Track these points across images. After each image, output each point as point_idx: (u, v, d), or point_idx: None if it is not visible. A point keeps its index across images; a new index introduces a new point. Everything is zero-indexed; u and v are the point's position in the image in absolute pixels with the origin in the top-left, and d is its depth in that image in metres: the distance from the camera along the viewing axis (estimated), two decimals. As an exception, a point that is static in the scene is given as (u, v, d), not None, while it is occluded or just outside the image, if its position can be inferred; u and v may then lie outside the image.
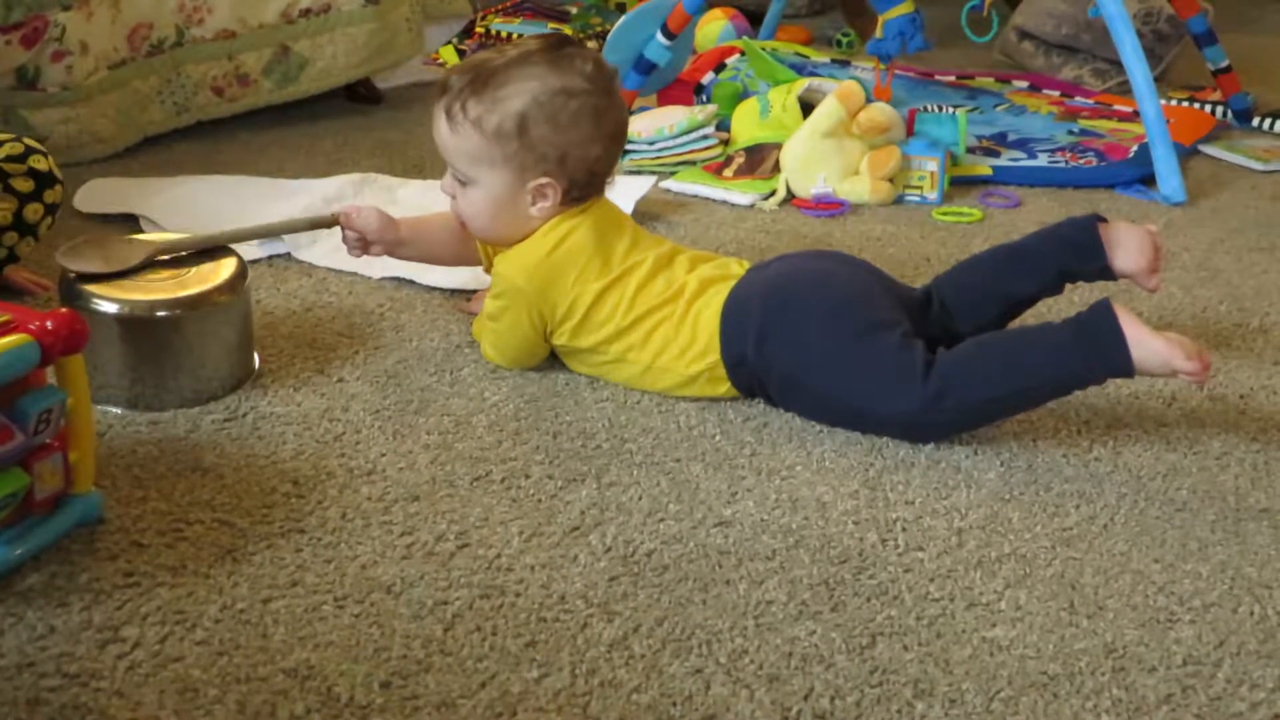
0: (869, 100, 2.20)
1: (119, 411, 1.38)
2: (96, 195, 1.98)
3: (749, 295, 1.41)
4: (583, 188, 1.47)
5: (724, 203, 2.11)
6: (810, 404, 1.40)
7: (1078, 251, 1.46)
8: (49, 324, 1.11)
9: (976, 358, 1.34)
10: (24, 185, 1.60)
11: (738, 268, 1.47)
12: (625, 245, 1.47)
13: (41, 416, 1.10)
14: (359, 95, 2.63)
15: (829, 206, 2.08)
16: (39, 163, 1.62)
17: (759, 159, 2.20)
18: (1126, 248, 1.45)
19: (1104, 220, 1.47)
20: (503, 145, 1.42)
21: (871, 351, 1.35)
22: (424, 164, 2.26)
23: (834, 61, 2.91)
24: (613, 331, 1.44)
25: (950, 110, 2.44)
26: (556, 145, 1.42)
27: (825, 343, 1.36)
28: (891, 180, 2.12)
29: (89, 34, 2.14)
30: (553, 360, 1.52)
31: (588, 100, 1.43)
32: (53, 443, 1.13)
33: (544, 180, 1.43)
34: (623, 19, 2.58)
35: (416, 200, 2.01)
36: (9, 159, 1.60)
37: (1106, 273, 1.46)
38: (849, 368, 1.35)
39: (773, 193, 2.12)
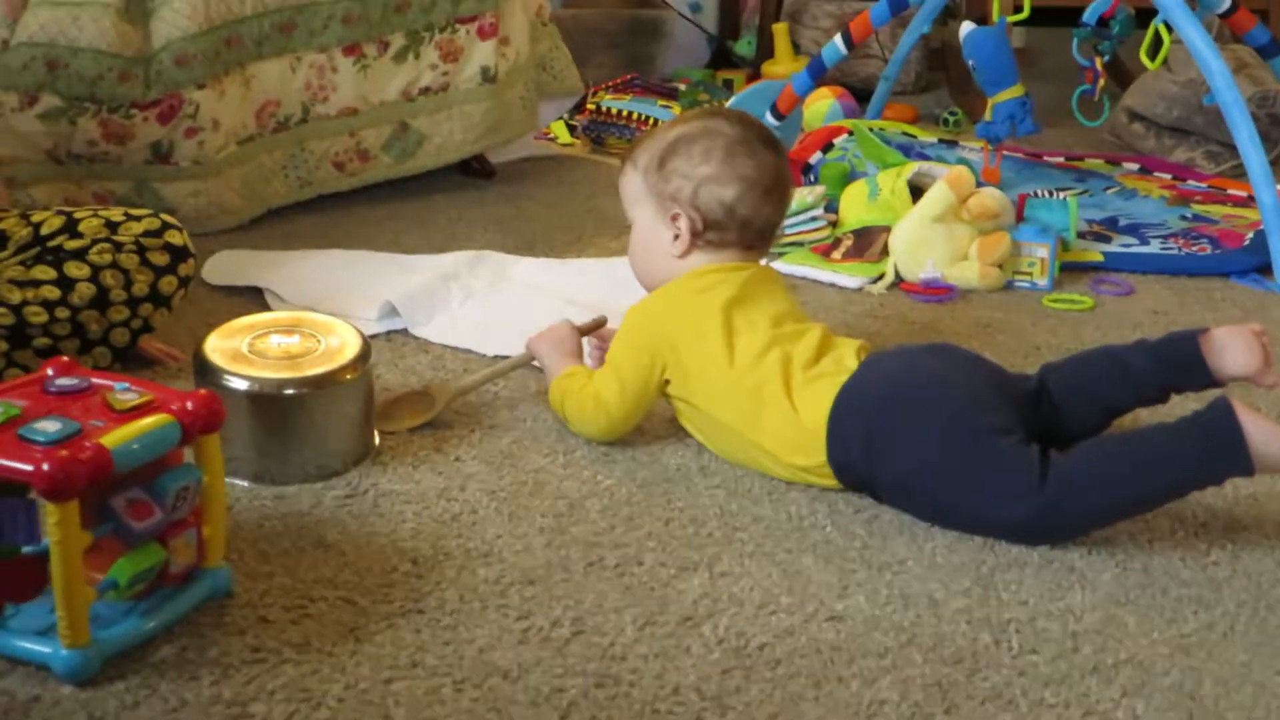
0: (979, 185, 2.21)
1: (245, 484, 1.42)
2: (224, 268, 2.05)
3: (857, 401, 1.41)
4: (719, 230, 1.53)
5: (832, 285, 2.13)
6: (921, 508, 1.40)
7: (1180, 369, 1.45)
8: (189, 404, 1.16)
9: (1092, 466, 1.33)
10: (160, 259, 1.67)
11: (852, 360, 1.47)
12: (760, 314, 1.49)
13: (179, 493, 1.14)
14: (473, 169, 2.69)
15: (938, 291, 2.09)
16: (174, 237, 1.69)
17: (867, 242, 2.21)
18: (1232, 355, 1.43)
19: (1203, 332, 1.45)
20: (647, 178, 1.56)
21: (985, 460, 1.35)
22: (535, 240, 2.31)
23: (941, 141, 2.91)
24: (725, 395, 1.46)
25: (1061, 196, 2.43)
26: (689, 178, 1.53)
27: (936, 452, 1.36)
28: (1001, 266, 2.12)
29: (220, 111, 2.23)
30: (664, 443, 1.54)
31: (722, 141, 1.53)
32: (188, 518, 1.17)
33: (676, 210, 1.53)
34: (733, 100, 2.63)
35: (530, 278, 2.06)
36: (147, 234, 1.67)
37: (1214, 383, 1.45)
38: (962, 477, 1.35)
39: (881, 276, 2.13)
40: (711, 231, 1.53)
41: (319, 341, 1.48)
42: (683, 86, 3.28)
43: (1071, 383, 1.50)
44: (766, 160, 1.54)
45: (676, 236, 1.54)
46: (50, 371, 1.21)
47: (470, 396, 1.64)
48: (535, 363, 1.66)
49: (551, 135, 3.04)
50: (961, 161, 2.62)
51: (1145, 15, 2.33)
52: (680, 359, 1.48)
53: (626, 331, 1.54)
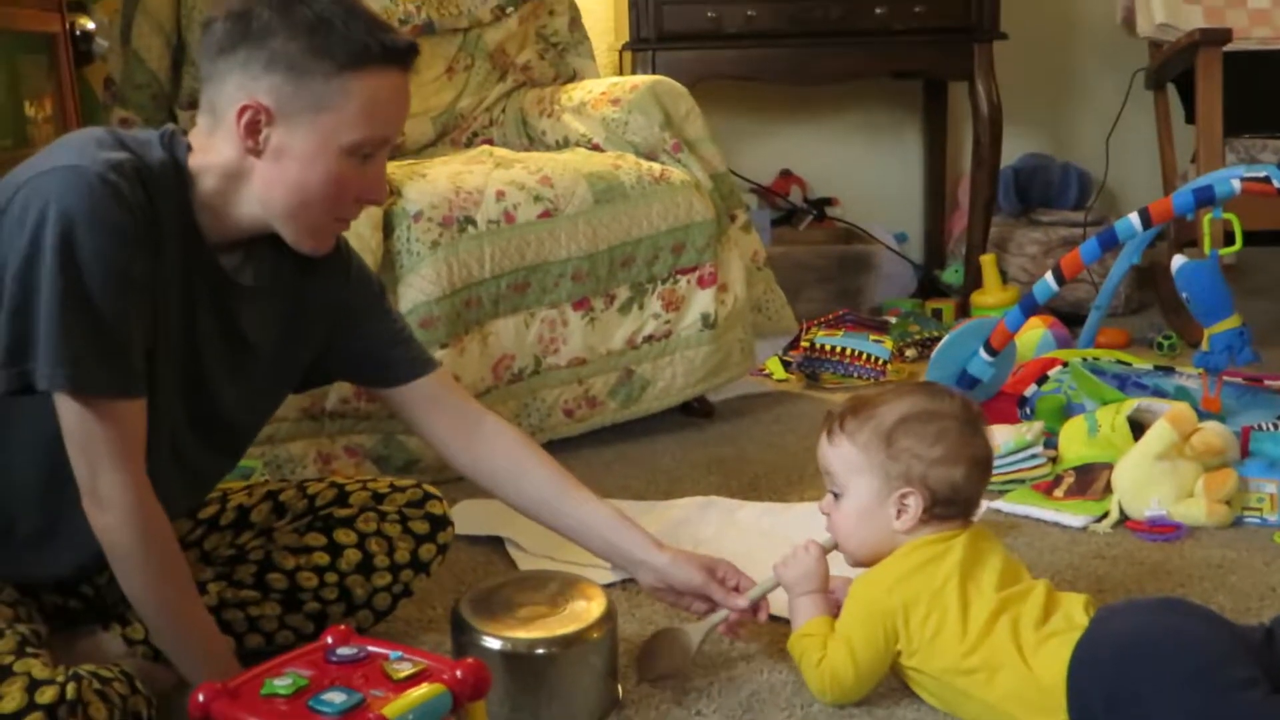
0: (1199, 415, 2.20)
1: (498, 739, 1.50)
2: (466, 517, 2.17)
3: (1096, 657, 1.42)
4: (945, 506, 1.58)
5: (1055, 524, 2.13)
6: (1170, 765, 1.39)
7: None
8: (459, 673, 1.25)
9: None
10: (420, 527, 1.78)
11: (1081, 615, 1.49)
12: (986, 579, 1.53)
13: (450, 757, 1.23)
14: (692, 409, 2.81)
15: (1164, 530, 2.07)
16: (434, 508, 1.80)
17: (1090, 479, 2.22)
18: None
19: None
20: (870, 454, 1.59)
21: (1238, 716, 1.34)
22: (758, 481, 2.38)
23: (1157, 368, 2.90)
24: (958, 662, 1.48)
25: (1288, 426, 2.40)
26: (921, 458, 1.57)
27: (1186, 708, 1.35)
28: (1229, 502, 2.10)
29: (461, 368, 2.40)
30: (898, 695, 1.57)
31: (953, 423, 1.58)
32: (461, 778, 1.26)
33: (907, 490, 1.57)
34: (946, 337, 2.68)
35: (756, 523, 2.13)
36: (409, 504, 1.79)
37: None
38: None
39: (1105, 514, 2.13)
40: (939, 508, 1.58)
41: (566, 600, 1.57)
42: (893, 319, 3.37)
43: None
44: (984, 440, 1.61)
45: (900, 513, 1.58)
46: (330, 640, 1.32)
47: (706, 645, 1.70)
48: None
49: (767, 372, 3.15)
50: (1180, 390, 2.62)
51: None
52: (912, 630, 1.52)
53: (858, 605, 1.57)
